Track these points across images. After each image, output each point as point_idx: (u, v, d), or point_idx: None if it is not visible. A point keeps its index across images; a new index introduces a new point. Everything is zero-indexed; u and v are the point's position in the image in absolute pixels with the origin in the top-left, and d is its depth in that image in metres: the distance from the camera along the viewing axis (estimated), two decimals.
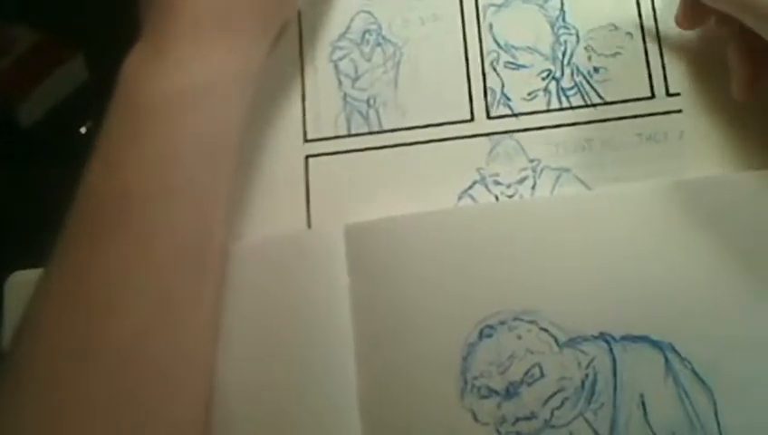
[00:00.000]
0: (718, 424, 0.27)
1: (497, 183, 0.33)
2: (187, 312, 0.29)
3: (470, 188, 0.33)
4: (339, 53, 0.36)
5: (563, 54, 0.34)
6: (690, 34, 0.33)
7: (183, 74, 0.30)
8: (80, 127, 0.54)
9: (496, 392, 0.29)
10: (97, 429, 0.27)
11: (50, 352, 0.28)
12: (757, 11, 0.27)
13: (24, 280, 0.34)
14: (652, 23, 0.33)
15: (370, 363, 0.30)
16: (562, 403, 0.28)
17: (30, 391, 0.27)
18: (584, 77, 0.33)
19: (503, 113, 0.33)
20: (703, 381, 0.28)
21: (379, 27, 0.35)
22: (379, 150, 0.34)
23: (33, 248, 0.31)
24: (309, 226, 0.34)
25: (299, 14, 0.36)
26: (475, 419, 0.29)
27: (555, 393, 0.28)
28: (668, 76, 0.33)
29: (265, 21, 0.33)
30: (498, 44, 0.34)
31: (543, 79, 0.33)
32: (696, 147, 0.32)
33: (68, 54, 0.95)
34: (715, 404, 0.28)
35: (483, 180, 0.33)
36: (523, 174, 0.32)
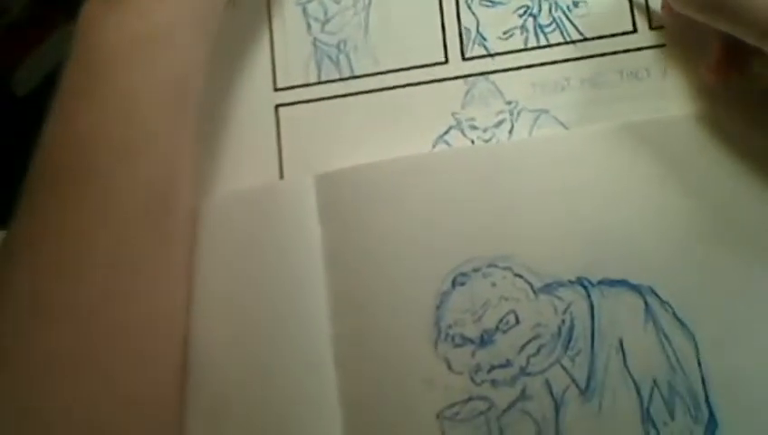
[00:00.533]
0: (701, 369, 0.27)
1: (473, 127, 0.31)
2: (152, 268, 0.29)
3: (445, 133, 0.31)
4: None
5: None
6: None
7: (138, 20, 0.28)
8: None
9: (471, 341, 0.28)
10: (62, 387, 0.27)
11: (12, 313, 0.27)
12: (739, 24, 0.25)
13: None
14: None
15: (344, 314, 0.29)
16: (538, 350, 0.27)
17: None
18: (563, 12, 0.32)
19: (478, 54, 0.32)
20: (684, 325, 0.27)
21: None
22: (352, 97, 0.33)
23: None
24: (281, 176, 0.33)
25: None
26: (450, 367, 0.28)
27: (531, 340, 0.28)
28: (651, 8, 0.31)
29: None
30: None
31: (520, 16, 0.32)
32: (681, 84, 0.30)
33: (60, 21, 0.94)
34: (697, 349, 0.27)
35: (458, 125, 0.31)
36: (500, 117, 0.31)
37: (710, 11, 0.26)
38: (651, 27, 0.31)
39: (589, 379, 0.27)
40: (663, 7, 0.30)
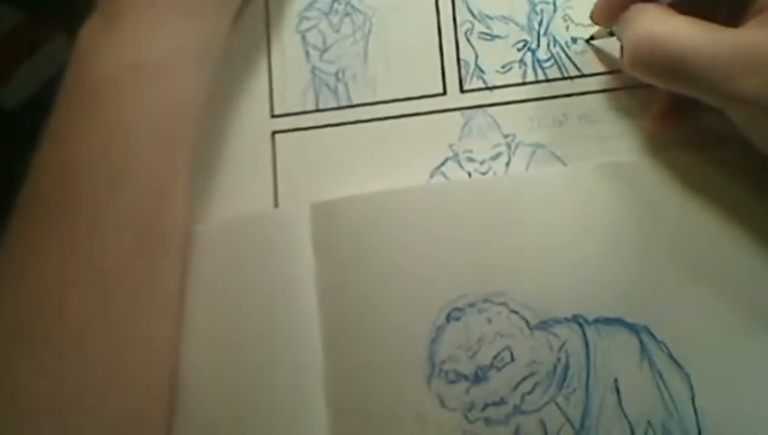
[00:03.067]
0: (695, 410, 0.26)
1: (470, 159, 0.31)
2: (143, 295, 0.28)
3: (442, 164, 0.31)
4: (306, 24, 0.34)
5: (540, 24, 0.32)
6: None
7: (136, 48, 0.28)
8: None
9: (465, 377, 0.28)
10: (47, 418, 0.26)
11: (2, 346, 0.27)
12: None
13: None
14: None
15: (336, 346, 0.29)
16: (533, 388, 0.27)
17: None
18: (561, 48, 0.32)
19: (476, 86, 0.32)
20: (680, 366, 0.27)
21: None
22: (349, 126, 0.33)
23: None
24: (276, 204, 0.32)
25: None
26: (443, 404, 0.28)
27: (526, 378, 0.27)
28: None
29: None
30: (472, 14, 0.33)
31: (519, 50, 0.32)
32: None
33: (50, 35, 0.94)
34: (692, 389, 0.27)
35: (455, 157, 0.31)
36: (497, 150, 0.31)
37: (670, 78, 0.25)
38: None
39: (583, 418, 0.27)
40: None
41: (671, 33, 0.25)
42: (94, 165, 0.27)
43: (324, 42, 0.34)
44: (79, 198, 0.27)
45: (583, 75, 0.31)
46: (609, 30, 0.30)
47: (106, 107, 0.28)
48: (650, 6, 0.26)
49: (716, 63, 0.24)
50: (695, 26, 0.24)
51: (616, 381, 0.27)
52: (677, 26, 0.25)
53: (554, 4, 0.32)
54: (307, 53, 0.34)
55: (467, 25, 0.33)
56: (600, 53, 0.31)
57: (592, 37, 0.31)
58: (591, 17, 0.30)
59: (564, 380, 0.27)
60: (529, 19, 0.32)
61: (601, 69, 0.31)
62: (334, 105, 0.33)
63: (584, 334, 0.27)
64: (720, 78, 0.24)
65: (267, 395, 0.29)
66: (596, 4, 0.29)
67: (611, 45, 0.31)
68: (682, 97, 0.26)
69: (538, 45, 0.32)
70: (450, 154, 0.31)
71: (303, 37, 0.34)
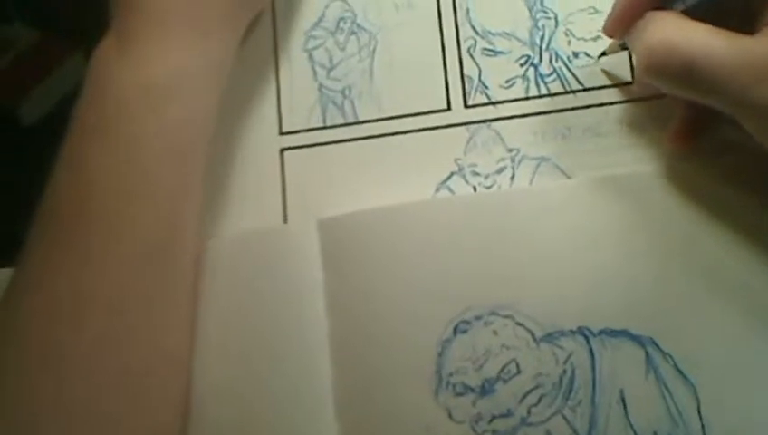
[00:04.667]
0: (701, 421, 0.27)
1: (475, 174, 0.32)
2: (157, 311, 0.29)
3: (448, 179, 0.32)
4: (313, 43, 0.35)
5: (542, 39, 0.32)
6: None
7: (148, 70, 0.29)
8: None
9: (472, 389, 0.28)
10: (58, 433, 0.27)
11: (15, 361, 0.27)
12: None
13: (2, 278, 0.34)
14: None
15: (345, 360, 0.29)
16: (540, 400, 0.27)
17: None
18: (563, 62, 0.32)
19: (480, 102, 0.32)
20: (685, 377, 0.27)
21: (354, 15, 0.35)
22: (355, 142, 0.33)
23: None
24: (285, 220, 0.33)
25: (272, 3, 0.35)
26: (451, 417, 0.28)
27: (532, 390, 0.28)
28: None
29: (235, 15, 0.32)
30: (475, 30, 0.33)
31: (522, 65, 0.32)
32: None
33: (67, 53, 0.96)
34: (698, 400, 0.27)
35: (461, 171, 0.32)
36: (502, 164, 0.32)
37: (685, 85, 0.25)
38: None
39: (590, 430, 0.27)
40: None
41: (687, 38, 0.25)
42: (108, 183, 0.28)
43: (331, 60, 0.34)
44: (93, 216, 0.28)
45: (586, 89, 0.32)
46: (620, 44, 0.30)
47: (119, 126, 0.28)
48: (665, 13, 0.26)
49: (731, 70, 0.24)
50: (710, 33, 0.25)
51: (622, 392, 0.27)
52: (693, 32, 0.25)
53: (556, 20, 0.32)
54: (314, 72, 0.34)
55: (470, 42, 0.33)
56: (607, 73, 0.32)
57: (604, 53, 0.31)
58: (604, 31, 0.30)
59: (570, 392, 0.27)
60: (531, 35, 0.33)
61: (604, 82, 0.31)
62: (341, 122, 0.33)
63: (590, 346, 0.28)
64: (735, 85, 0.24)
65: (277, 408, 0.30)
66: (608, 17, 0.29)
67: (616, 65, 0.31)
68: (700, 113, 0.26)
69: (540, 60, 0.32)
70: (455, 169, 0.32)
71: (310, 56, 0.35)
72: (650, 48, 0.26)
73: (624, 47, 0.30)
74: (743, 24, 0.25)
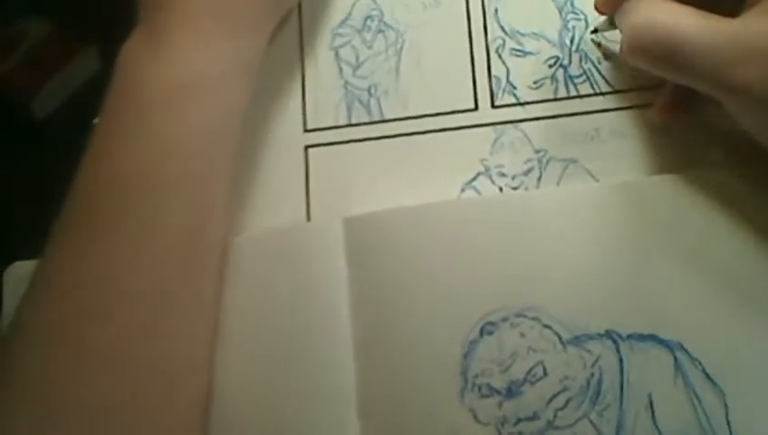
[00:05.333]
0: (729, 427, 0.26)
1: (502, 175, 0.31)
2: (184, 309, 0.29)
3: (474, 179, 0.32)
4: (339, 41, 0.35)
5: (571, 41, 0.32)
6: None
7: (179, 64, 0.29)
8: (93, 119, 0.54)
9: (498, 392, 0.28)
10: (89, 431, 0.26)
11: (42, 354, 0.27)
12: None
13: (24, 271, 0.34)
14: None
15: (369, 360, 0.29)
16: (566, 404, 0.27)
17: (21, 395, 0.27)
18: (593, 64, 0.32)
19: (508, 102, 0.32)
20: (714, 382, 0.27)
21: (381, 13, 0.34)
22: (381, 141, 0.33)
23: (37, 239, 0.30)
24: (308, 217, 0.33)
25: (299, 1, 0.35)
26: (476, 419, 0.28)
27: (559, 393, 0.27)
28: None
29: (265, 13, 0.32)
30: (504, 30, 0.33)
31: (551, 66, 0.32)
32: (710, 137, 0.30)
33: (80, 46, 0.96)
34: (726, 406, 0.26)
35: (487, 172, 0.32)
36: (529, 165, 0.31)
37: (667, 66, 0.26)
38: None
39: None
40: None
41: (671, 21, 0.25)
42: (137, 180, 0.28)
43: (357, 58, 0.34)
44: (122, 211, 0.28)
45: (616, 91, 0.31)
46: (611, 21, 0.30)
47: (149, 124, 0.28)
48: None
49: (714, 52, 0.24)
50: (695, 15, 0.25)
51: (650, 397, 0.27)
52: (678, 14, 0.25)
53: (585, 21, 0.32)
54: (340, 69, 0.34)
55: (499, 42, 0.33)
56: (603, 48, 0.31)
57: (596, 30, 0.31)
58: (595, 6, 0.30)
59: (598, 396, 0.27)
60: (561, 36, 0.32)
61: (634, 85, 0.31)
62: (366, 120, 0.33)
63: (618, 350, 0.27)
64: (717, 66, 0.24)
65: (300, 407, 0.29)
66: None
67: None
68: (689, 90, 0.26)
69: (570, 62, 0.32)
70: (482, 169, 0.32)
71: (337, 53, 0.34)
72: (635, 29, 0.26)
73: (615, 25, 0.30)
74: (735, 7, 0.25)
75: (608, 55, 0.32)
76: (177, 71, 0.28)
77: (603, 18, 0.31)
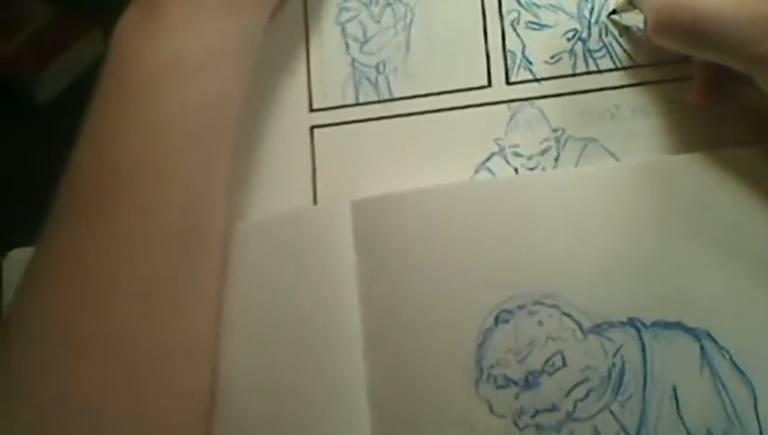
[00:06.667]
0: (758, 419, 0.25)
1: (517, 155, 0.30)
2: (183, 296, 0.28)
3: (488, 160, 0.30)
4: (346, 15, 0.33)
5: (591, 12, 0.31)
6: None
7: (175, 43, 0.28)
8: None
9: (514, 382, 0.27)
10: (89, 420, 0.26)
11: (39, 341, 0.26)
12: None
13: (23, 258, 0.33)
14: None
15: (379, 348, 0.28)
16: (587, 395, 0.26)
17: (20, 385, 0.26)
18: (614, 37, 0.30)
19: (523, 78, 0.31)
20: (742, 373, 0.25)
21: None
22: (390, 120, 0.32)
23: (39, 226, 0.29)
24: (315, 201, 0.32)
25: None
26: (492, 410, 0.27)
27: (579, 384, 0.26)
28: None
29: None
30: (519, 2, 0.31)
31: (569, 40, 0.31)
32: (738, 114, 0.29)
33: (84, 29, 0.95)
34: (755, 398, 0.25)
35: (501, 151, 0.30)
36: (546, 145, 0.30)
37: (694, 43, 0.25)
38: None
39: (640, 427, 0.26)
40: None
41: None
42: (132, 163, 0.27)
43: (365, 33, 0.33)
44: (117, 197, 0.27)
45: (637, 66, 0.30)
46: (630, 1, 0.29)
47: (144, 103, 0.27)
48: None
49: (741, 26, 0.23)
50: None
51: (674, 388, 0.26)
52: None
53: None
54: (347, 45, 0.33)
55: (514, 14, 0.31)
56: (623, 29, 0.30)
57: (614, 11, 0.30)
58: None
59: (620, 386, 0.26)
60: (579, 7, 0.31)
61: (656, 60, 0.30)
62: (375, 99, 0.32)
63: (641, 339, 0.26)
64: (745, 41, 0.23)
65: (307, 398, 0.28)
66: None
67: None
68: (718, 70, 0.25)
69: (589, 35, 0.30)
70: (496, 149, 0.30)
71: (343, 29, 0.33)
72: (658, 8, 0.25)
73: (634, 5, 0.28)
74: None
75: (629, 35, 0.30)
76: (174, 47, 0.27)
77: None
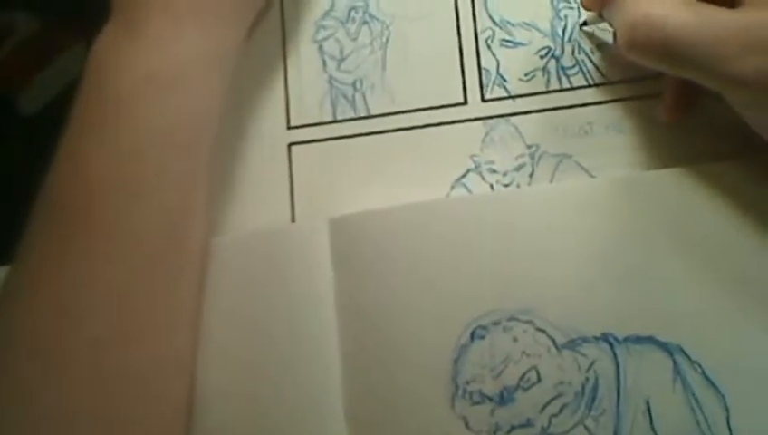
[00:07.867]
0: (731, 431, 0.25)
1: (493, 171, 0.30)
2: (162, 311, 0.28)
3: (463, 176, 0.30)
4: (323, 33, 0.33)
5: (564, 30, 0.31)
6: None
7: (152, 59, 0.28)
8: None
9: (490, 398, 0.27)
10: (57, 433, 0.26)
11: (17, 359, 0.26)
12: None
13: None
14: None
15: (356, 364, 0.28)
16: (561, 410, 0.26)
17: (2, 402, 0.26)
18: (586, 55, 0.31)
19: (498, 95, 0.31)
20: (714, 386, 0.26)
21: (366, 4, 0.33)
22: (367, 137, 0.32)
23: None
24: (293, 217, 0.32)
25: None
26: (467, 426, 0.27)
27: (553, 399, 0.26)
28: None
29: (243, 3, 0.31)
30: (493, 21, 0.32)
31: (542, 57, 0.31)
32: (709, 130, 0.29)
33: (69, 41, 0.94)
34: (727, 411, 0.25)
35: (477, 168, 0.30)
36: (521, 161, 0.30)
37: (665, 60, 0.25)
38: None
39: None
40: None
41: (667, 14, 0.24)
42: (110, 178, 0.27)
43: (341, 51, 0.33)
44: (95, 212, 0.27)
45: (610, 82, 0.30)
46: (600, 12, 0.29)
47: (121, 121, 0.27)
48: None
49: (713, 44, 0.23)
50: (690, 7, 0.24)
51: (648, 402, 0.26)
52: (673, 8, 0.24)
53: (578, 10, 0.31)
54: (324, 63, 0.33)
55: (488, 33, 0.32)
56: (595, 39, 0.31)
57: (585, 23, 0.30)
58: (582, 4, 0.30)
59: (593, 401, 0.26)
60: (552, 25, 0.31)
61: (629, 76, 0.30)
62: (352, 116, 0.32)
63: (614, 353, 0.26)
64: (717, 59, 0.23)
65: (285, 412, 0.28)
66: None
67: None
68: (693, 84, 0.25)
69: (562, 52, 0.31)
70: (471, 165, 0.31)
71: (320, 47, 0.33)
72: (631, 25, 0.25)
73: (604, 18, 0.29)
74: None
75: (601, 47, 0.31)
76: (151, 63, 0.27)
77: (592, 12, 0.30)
